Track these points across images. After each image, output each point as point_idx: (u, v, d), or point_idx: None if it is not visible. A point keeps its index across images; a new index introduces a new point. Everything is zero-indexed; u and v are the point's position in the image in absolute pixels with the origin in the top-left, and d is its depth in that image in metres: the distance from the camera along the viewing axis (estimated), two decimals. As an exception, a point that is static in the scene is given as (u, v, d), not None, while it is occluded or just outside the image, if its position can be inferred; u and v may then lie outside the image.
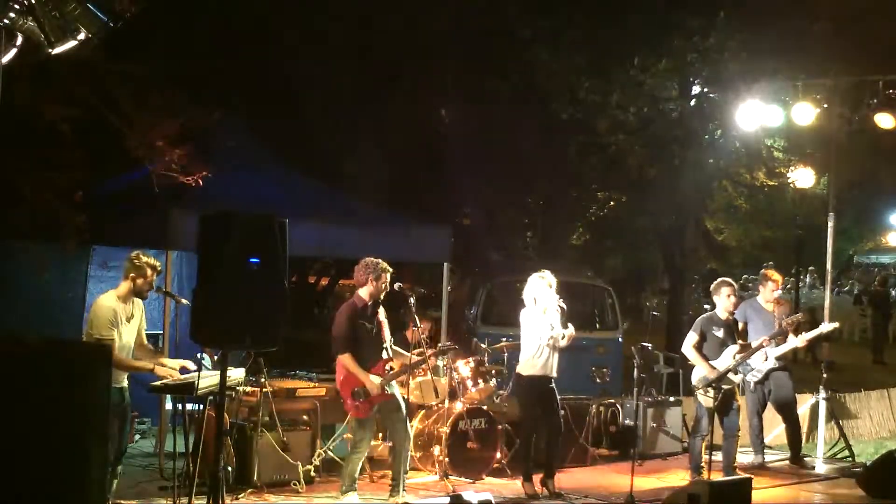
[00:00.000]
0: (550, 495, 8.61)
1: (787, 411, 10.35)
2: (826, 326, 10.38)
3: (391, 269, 8.17)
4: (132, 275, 7.18)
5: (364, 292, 8.08)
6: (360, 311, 8.03)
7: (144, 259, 7.22)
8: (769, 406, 10.33)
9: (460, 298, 13.92)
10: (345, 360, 7.94)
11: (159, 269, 7.37)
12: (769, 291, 10.17)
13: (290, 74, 14.09)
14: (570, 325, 8.60)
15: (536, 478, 8.67)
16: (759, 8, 14.07)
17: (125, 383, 7.20)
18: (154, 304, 10.03)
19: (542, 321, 8.52)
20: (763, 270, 10.71)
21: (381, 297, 8.13)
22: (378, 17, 14.47)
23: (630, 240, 19.49)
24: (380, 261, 8.14)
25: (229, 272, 5.88)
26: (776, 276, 10.37)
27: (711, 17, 13.91)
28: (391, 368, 8.12)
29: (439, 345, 8.55)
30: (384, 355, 8.08)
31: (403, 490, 8.05)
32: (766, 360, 10.00)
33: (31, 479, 4.70)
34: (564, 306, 8.56)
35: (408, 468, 8.24)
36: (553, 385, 8.65)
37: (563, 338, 8.53)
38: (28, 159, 9.37)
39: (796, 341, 10.12)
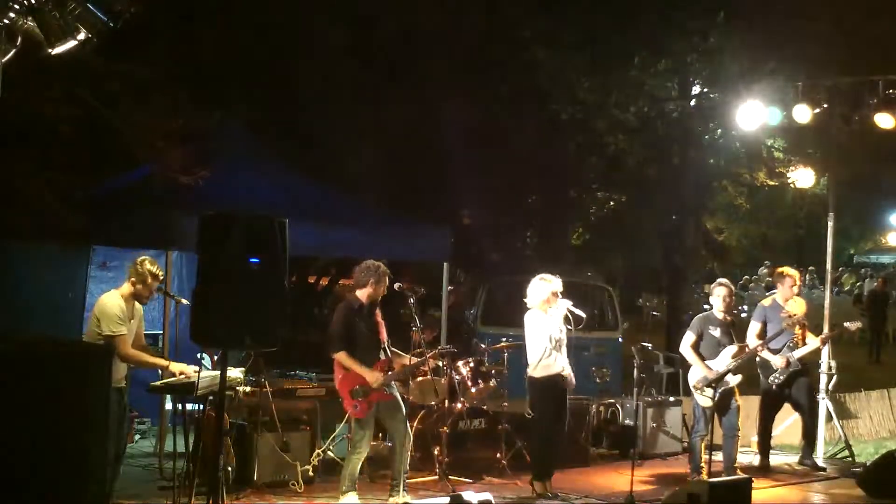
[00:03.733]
0: (552, 496, 8.63)
1: (803, 412, 10.34)
2: (850, 325, 10.49)
3: (390, 273, 8.17)
4: (133, 279, 7.23)
5: (362, 294, 8.07)
6: (356, 311, 8.03)
7: (148, 267, 7.25)
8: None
9: (460, 298, 13.91)
10: (341, 358, 7.92)
11: (161, 277, 7.40)
12: (788, 289, 10.13)
13: (290, 74, 14.09)
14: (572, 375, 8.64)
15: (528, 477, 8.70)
16: (758, 8, 14.07)
17: (124, 383, 7.22)
18: (154, 304, 10.02)
19: (548, 323, 8.50)
20: (779, 269, 10.63)
21: (379, 299, 8.13)
22: (378, 17, 14.47)
23: (630, 240, 19.46)
24: (381, 264, 8.14)
25: (229, 272, 5.89)
26: (792, 272, 10.38)
27: (711, 17, 13.90)
28: (390, 369, 8.11)
29: (439, 347, 8.53)
30: (382, 356, 8.08)
31: (404, 490, 8.05)
32: (787, 364, 9.96)
33: (31, 478, 4.70)
34: (583, 315, 8.53)
35: (408, 468, 8.24)
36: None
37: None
38: (28, 159, 9.38)
39: (816, 342, 10.14)
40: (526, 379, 8.66)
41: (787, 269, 10.47)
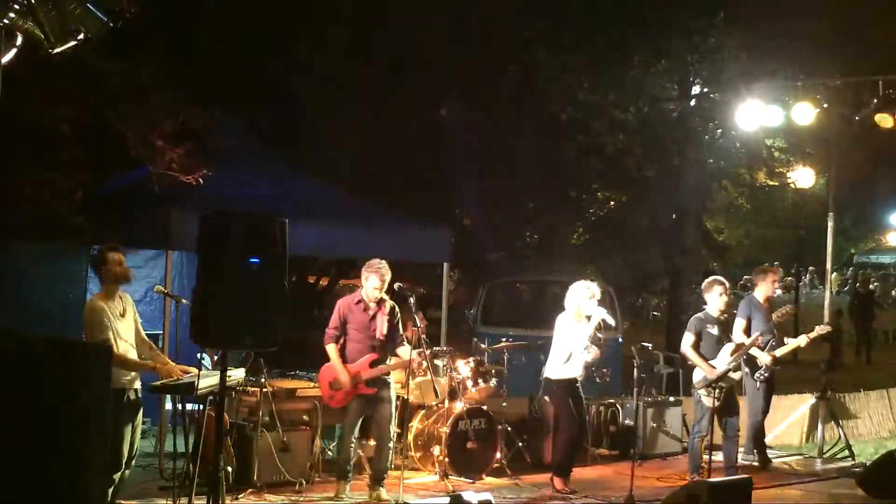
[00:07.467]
0: (570, 492, 8.70)
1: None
2: (820, 329, 10.43)
3: (385, 275, 8.19)
4: (100, 269, 7.09)
5: (362, 289, 8.30)
6: (353, 305, 8.23)
7: (101, 248, 7.13)
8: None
9: (460, 298, 13.91)
10: (328, 351, 8.21)
11: (118, 251, 7.11)
12: (770, 286, 10.16)
13: (290, 74, 14.10)
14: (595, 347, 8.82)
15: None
16: (758, 8, 14.09)
17: (138, 384, 7.14)
18: (154, 304, 10.05)
19: (578, 329, 8.70)
20: (762, 267, 10.69)
21: (376, 296, 8.19)
22: (378, 17, 14.48)
23: (630, 240, 19.49)
24: (376, 262, 8.24)
25: (229, 272, 5.89)
26: (774, 269, 10.44)
27: (711, 17, 13.91)
28: (374, 364, 8.17)
29: (424, 347, 8.54)
30: (372, 352, 8.16)
31: (381, 486, 8.11)
32: (773, 362, 9.96)
33: (30, 478, 4.70)
34: (612, 322, 8.65)
35: (389, 465, 8.26)
36: (579, 385, 8.84)
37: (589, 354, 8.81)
38: (28, 159, 9.37)
39: (797, 342, 10.12)
40: (542, 379, 8.88)
41: (769, 267, 10.54)
